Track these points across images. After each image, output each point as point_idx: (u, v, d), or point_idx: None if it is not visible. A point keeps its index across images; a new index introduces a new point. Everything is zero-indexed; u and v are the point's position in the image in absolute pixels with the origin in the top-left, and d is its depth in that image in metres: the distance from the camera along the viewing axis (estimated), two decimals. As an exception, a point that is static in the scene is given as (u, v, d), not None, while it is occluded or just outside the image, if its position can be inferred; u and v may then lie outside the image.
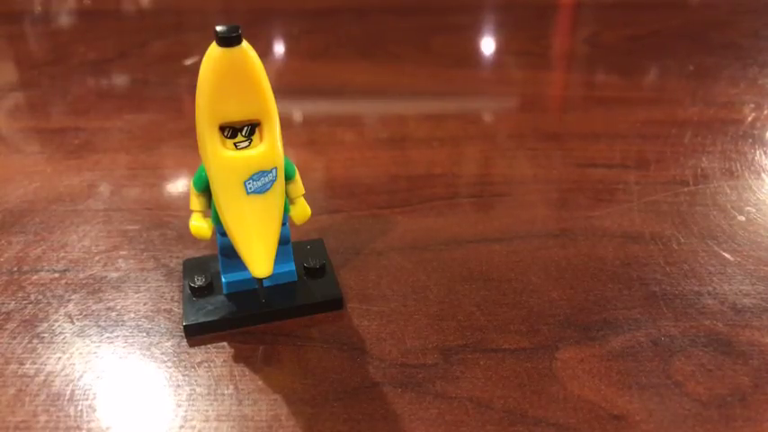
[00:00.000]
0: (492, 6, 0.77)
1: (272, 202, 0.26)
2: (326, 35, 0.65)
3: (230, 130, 0.24)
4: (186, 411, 0.25)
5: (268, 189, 0.25)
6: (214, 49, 0.23)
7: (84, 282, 0.32)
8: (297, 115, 0.50)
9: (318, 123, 0.48)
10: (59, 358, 0.27)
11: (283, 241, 0.28)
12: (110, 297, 0.31)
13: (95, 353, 0.28)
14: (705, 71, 0.55)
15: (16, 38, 0.68)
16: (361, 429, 0.24)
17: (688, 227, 0.35)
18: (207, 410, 0.25)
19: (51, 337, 0.28)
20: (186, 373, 0.27)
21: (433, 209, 0.37)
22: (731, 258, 0.33)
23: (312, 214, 0.28)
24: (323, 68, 0.58)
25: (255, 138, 0.25)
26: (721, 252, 0.33)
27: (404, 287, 0.31)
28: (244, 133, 0.25)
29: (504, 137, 0.46)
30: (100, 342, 0.28)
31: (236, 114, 0.24)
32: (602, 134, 0.45)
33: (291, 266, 0.30)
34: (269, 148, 0.25)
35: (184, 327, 0.28)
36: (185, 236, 0.34)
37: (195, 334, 0.28)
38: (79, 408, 0.25)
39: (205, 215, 0.27)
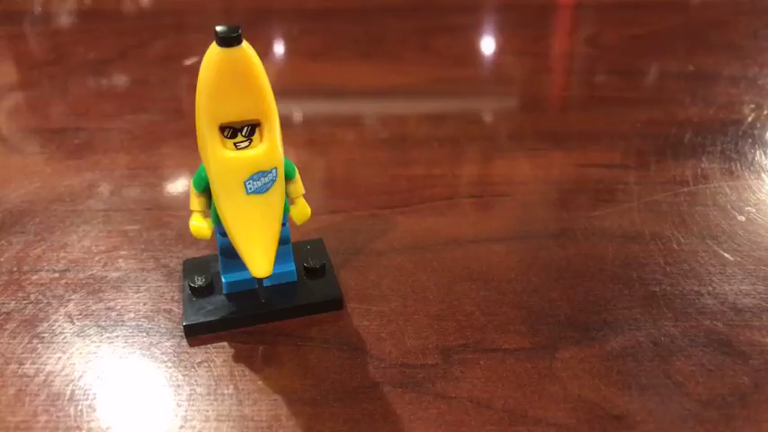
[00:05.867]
0: (492, 6, 0.77)
1: (272, 202, 0.26)
2: (326, 35, 0.65)
3: (230, 130, 0.24)
4: (186, 411, 0.25)
5: (268, 189, 0.25)
6: (214, 49, 0.23)
7: (84, 282, 0.32)
8: (297, 115, 0.50)
9: (318, 123, 0.48)
10: (59, 358, 0.27)
11: (283, 241, 0.28)
12: (110, 297, 0.31)
13: (95, 353, 0.28)
14: (705, 71, 0.55)
15: (16, 38, 0.68)
16: (361, 429, 0.24)
17: (688, 227, 0.35)
18: (207, 410, 0.25)
19: (51, 337, 0.28)
20: (186, 373, 0.27)
21: (433, 209, 0.37)
22: (731, 258, 0.33)
23: (312, 214, 0.28)
24: (323, 68, 0.58)
25: (255, 138, 0.25)
26: (721, 252, 0.33)
27: (404, 287, 0.31)
28: (244, 133, 0.25)
29: (504, 137, 0.46)
30: (100, 342, 0.28)
31: (236, 114, 0.24)
32: (602, 134, 0.45)
33: (291, 266, 0.30)
34: (269, 148, 0.25)
35: (184, 327, 0.28)
36: (185, 236, 0.34)
37: (195, 334, 0.28)
38: (79, 408, 0.25)
39: (205, 215, 0.27)
